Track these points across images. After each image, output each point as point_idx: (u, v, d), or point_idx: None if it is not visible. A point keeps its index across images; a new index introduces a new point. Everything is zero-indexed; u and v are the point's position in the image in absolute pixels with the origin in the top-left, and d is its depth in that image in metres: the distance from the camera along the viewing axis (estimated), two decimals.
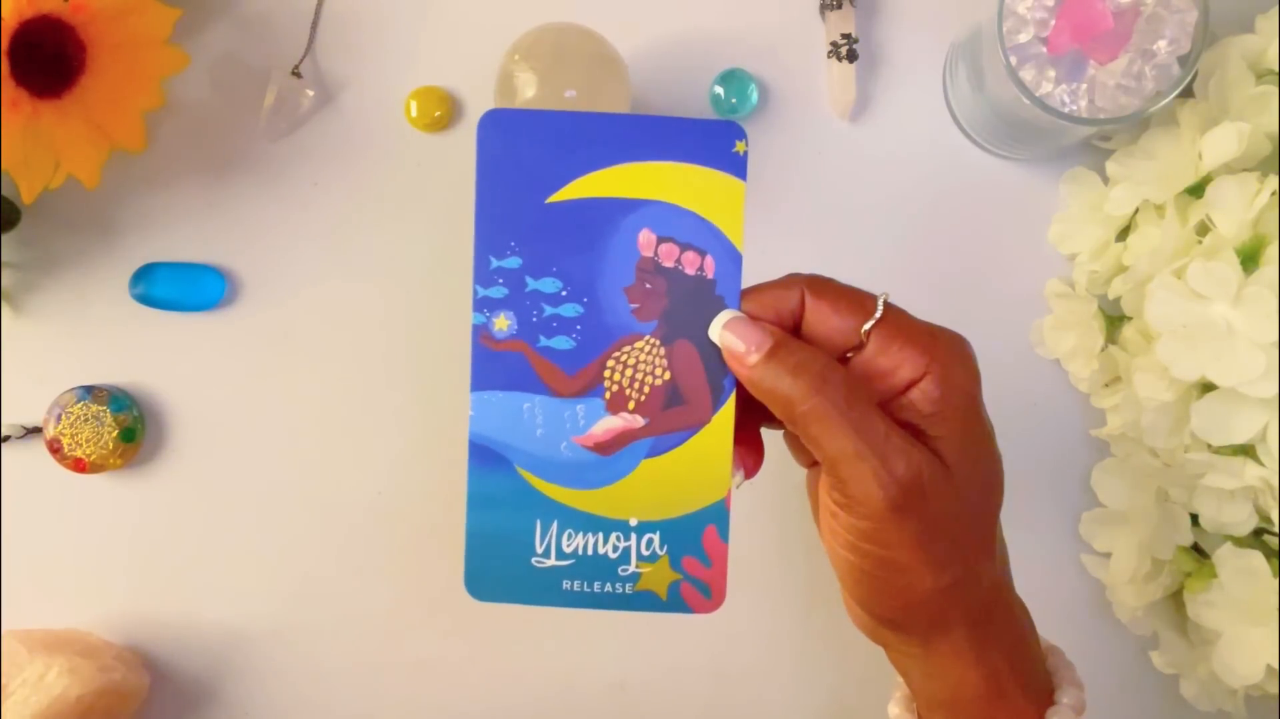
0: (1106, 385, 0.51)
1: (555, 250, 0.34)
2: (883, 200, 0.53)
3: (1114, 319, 0.50)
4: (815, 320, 0.34)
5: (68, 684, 0.47)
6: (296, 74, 0.52)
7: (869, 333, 0.33)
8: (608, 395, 0.35)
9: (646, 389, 0.35)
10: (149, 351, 0.53)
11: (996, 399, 0.53)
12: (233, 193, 0.53)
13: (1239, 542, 0.45)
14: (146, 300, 0.52)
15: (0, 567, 0.53)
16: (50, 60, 0.46)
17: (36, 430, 0.52)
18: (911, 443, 0.32)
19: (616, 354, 0.35)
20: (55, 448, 0.52)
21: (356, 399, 0.53)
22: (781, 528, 0.53)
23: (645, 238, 0.34)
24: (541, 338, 0.35)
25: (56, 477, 0.52)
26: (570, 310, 0.35)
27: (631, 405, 0.35)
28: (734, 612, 0.53)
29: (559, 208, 0.34)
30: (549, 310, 0.35)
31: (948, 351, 0.33)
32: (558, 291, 0.35)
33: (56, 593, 0.53)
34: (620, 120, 0.34)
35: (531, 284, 0.35)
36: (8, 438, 0.52)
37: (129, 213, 0.53)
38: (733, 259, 0.34)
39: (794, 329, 0.34)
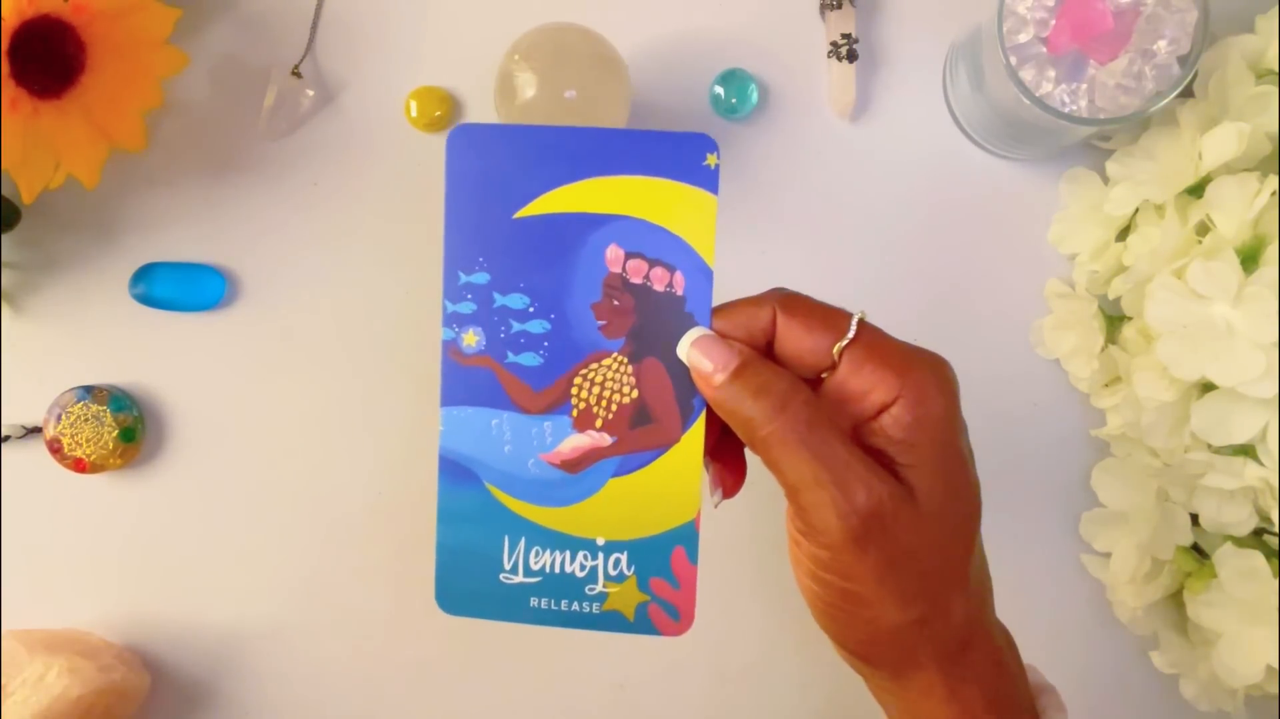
0: (1106, 385, 0.51)
1: (523, 266, 0.34)
2: (882, 200, 0.53)
3: (1114, 319, 0.50)
4: (787, 339, 0.33)
5: (68, 684, 0.47)
6: (296, 74, 0.52)
7: (841, 353, 0.32)
8: (575, 413, 0.35)
9: (614, 407, 0.34)
10: (149, 352, 0.53)
11: (996, 399, 0.53)
12: (233, 193, 0.53)
13: (1239, 542, 0.45)
14: (146, 300, 0.52)
15: (0, 567, 0.53)
16: (50, 60, 0.46)
17: (36, 430, 0.52)
18: (875, 472, 0.31)
19: (584, 371, 0.34)
20: (55, 448, 0.52)
21: (356, 399, 0.53)
22: (781, 529, 0.53)
23: (613, 253, 0.34)
24: (509, 354, 0.34)
25: (56, 477, 0.52)
26: (537, 327, 0.34)
27: (599, 423, 0.35)
28: (734, 612, 0.54)
29: (526, 223, 0.34)
30: (516, 326, 0.34)
31: (922, 375, 0.32)
32: (525, 307, 0.34)
33: (56, 593, 0.53)
34: (588, 134, 0.34)
35: (499, 300, 0.34)
36: (8, 438, 0.52)
37: (129, 213, 0.53)
38: (703, 275, 0.34)
39: (766, 348, 0.33)
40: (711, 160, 0.33)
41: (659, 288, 0.34)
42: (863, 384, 0.32)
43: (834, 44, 0.51)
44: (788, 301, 0.33)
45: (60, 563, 0.53)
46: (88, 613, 0.53)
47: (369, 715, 0.54)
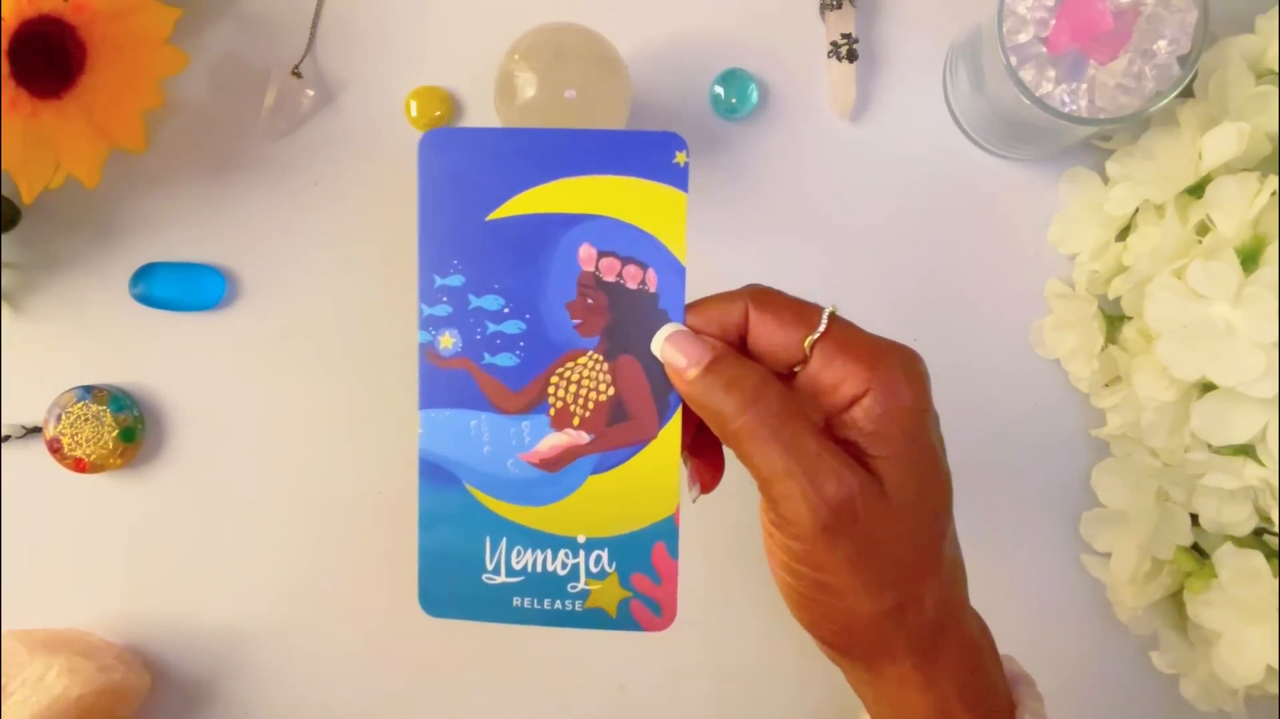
0: (1106, 385, 0.51)
1: (497, 267, 0.34)
2: (882, 200, 0.53)
3: (1114, 319, 0.50)
4: (759, 334, 0.33)
5: (68, 684, 0.47)
6: (296, 74, 0.52)
7: (813, 347, 0.33)
8: (552, 412, 0.35)
9: (591, 405, 0.35)
10: (149, 352, 0.53)
11: (996, 399, 0.53)
12: (233, 193, 0.53)
13: (1239, 542, 0.45)
14: (146, 300, 0.52)
15: (0, 567, 0.53)
16: (50, 60, 0.46)
17: (36, 430, 0.52)
18: (845, 463, 0.31)
19: (560, 370, 0.35)
20: (55, 448, 0.52)
21: (356, 399, 0.53)
22: None
23: (586, 253, 0.34)
24: (486, 355, 0.35)
25: (56, 477, 0.52)
26: (513, 327, 0.35)
27: (576, 422, 0.35)
28: (734, 611, 0.54)
29: (499, 225, 0.34)
30: (492, 328, 0.35)
31: (892, 368, 0.32)
32: (500, 308, 0.35)
33: (56, 593, 0.53)
34: (558, 135, 0.34)
35: (474, 301, 0.35)
36: (8, 438, 0.52)
37: (129, 213, 0.53)
38: (676, 272, 0.34)
39: (740, 343, 0.34)
40: (681, 158, 0.34)
41: (632, 285, 0.34)
42: (834, 377, 0.32)
43: (834, 44, 0.51)
44: (760, 296, 0.34)
45: (60, 563, 0.53)
46: (88, 613, 0.53)
47: (369, 715, 0.54)
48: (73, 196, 0.52)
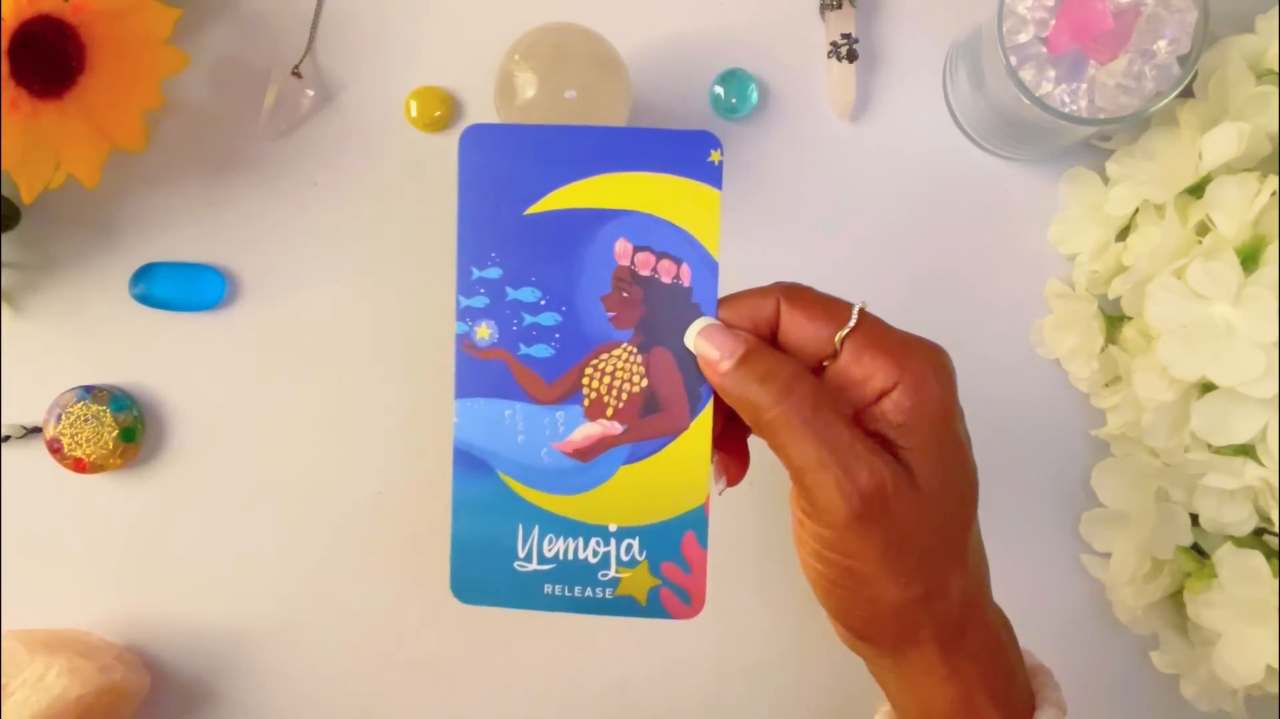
0: (1106, 385, 0.51)
1: (534, 261, 0.35)
2: (882, 200, 0.53)
3: (1114, 319, 0.50)
4: (790, 328, 0.34)
5: (68, 684, 0.47)
6: (296, 74, 0.52)
7: (843, 341, 0.33)
8: (586, 403, 0.35)
9: (624, 396, 0.35)
10: (149, 352, 0.53)
11: (996, 399, 0.53)
12: (233, 193, 0.53)
13: (1239, 542, 0.45)
14: (146, 300, 0.52)
15: (0, 567, 0.53)
16: (50, 60, 0.46)
17: (36, 430, 0.52)
18: (877, 453, 0.32)
19: (595, 362, 0.35)
20: (55, 448, 0.52)
21: (356, 399, 0.53)
22: (781, 527, 0.53)
23: (622, 247, 0.35)
24: (521, 346, 0.35)
25: (56, 477, 0.52)
26: (549, 319, 0.35)
27: (609, 412, 0.35)
28: (734, 611, 0.54)
29: (537, 219, 0.35)
30: (528, 319, 0.35)
31: (921, 362, 0.33)
32: (537, 301, 0.35)
33: (56, 593, 0.53)
34: (596, 133, 0.35)
35: (511, 294, 0.35)
36: (8, 438, 0.52)
37: (129, 213, 0.53)
38: (709, 267, 0.35)
39: (770, 337, 0.35)
40: (715, 157, 0.35)
41: (666, 280, 0.35)
42: (863, 371, 0.33)
43: (834, 44, 0.51)
44: (791, 292, 0.34)
45: (60, 563, 0.53)
46: (88, 613, 0.53)
47: (369, 714, 0.54)
48: (73, 196, 0.52)
